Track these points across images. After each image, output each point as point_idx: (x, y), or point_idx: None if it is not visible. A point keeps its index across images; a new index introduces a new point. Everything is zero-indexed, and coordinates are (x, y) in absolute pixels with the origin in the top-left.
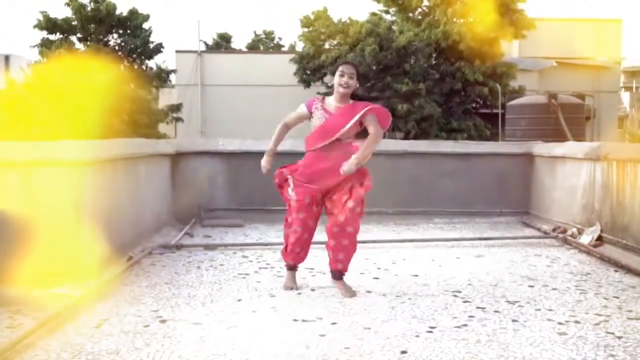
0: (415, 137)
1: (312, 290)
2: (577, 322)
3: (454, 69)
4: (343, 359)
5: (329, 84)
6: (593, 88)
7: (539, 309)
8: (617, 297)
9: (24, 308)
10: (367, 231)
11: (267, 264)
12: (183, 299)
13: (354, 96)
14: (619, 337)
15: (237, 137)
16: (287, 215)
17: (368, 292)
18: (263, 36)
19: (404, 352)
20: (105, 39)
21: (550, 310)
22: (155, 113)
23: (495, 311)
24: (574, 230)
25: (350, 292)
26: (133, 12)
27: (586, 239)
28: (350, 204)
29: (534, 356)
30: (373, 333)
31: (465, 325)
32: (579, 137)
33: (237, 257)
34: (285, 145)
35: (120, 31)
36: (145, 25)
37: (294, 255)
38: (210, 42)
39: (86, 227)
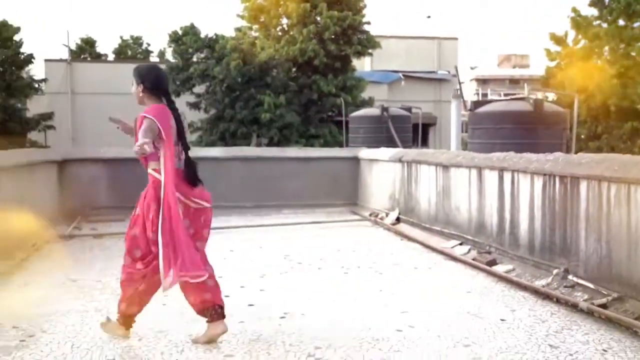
0: (278, 143)
1: None
2: (358, 267)
3: (310, 81)
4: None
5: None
6: (435, 98)
7: (338, 262)
8: (392, 254)
9: None
10: (228, 221)
11: None
12: (86, 266)
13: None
14: (380, 273)
15: (109, 144)
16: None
17: (224, 258)
18: (130, 42)
19: (242, 286)
20: None
21: (345, 263)
22: (27, 121)
23: (309, 264)
24: (383, 214)
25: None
26: (4, 25)
27: (389, 219)
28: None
29: (325, 283)
30: (225, 278)
31: (286, 272)
32: (406, 142)
33: (122, 242)
34: None
35: None
36: (16, 37)
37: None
38: (73, 47)
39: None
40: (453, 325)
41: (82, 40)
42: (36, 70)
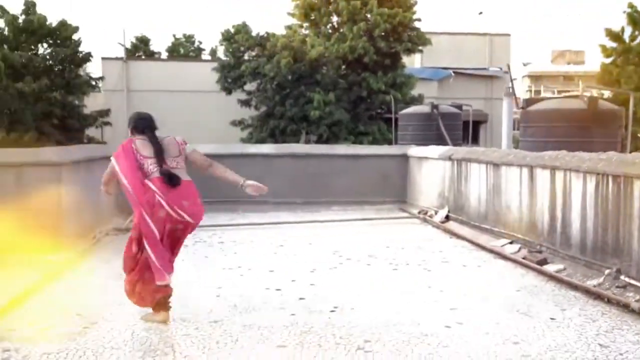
0: (327, 140)
1: (235, 253)
2: (407, 264)
3: (360, 79)
4: (255, 283)
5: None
6: (486, 96)
7: (386, 259)
8: (441, 251)
9: (27, 269)
10: (278, 217)
11: (200, 239)
12: None
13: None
14: (430, 271)
15: None
16: None
17: (274, 253)
18: (183, 40)
19: (293, 280)
20: (36, 49)
21: (394, 259)
22: (85, 118)
23: (358, 260)
24: (432, 212)
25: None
26: (63, 24)
27: (438, 217)
28: None
29: (373, 279)
30: (275, 273)
31: (336, 267)
32: (456, 140)
33: None
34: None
35: (51, 41)
36: (75, 36)
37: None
38: (128, 46)
39: (64, 213)
40: (502, 322)
41: (137, 38)
42: (93, 68)
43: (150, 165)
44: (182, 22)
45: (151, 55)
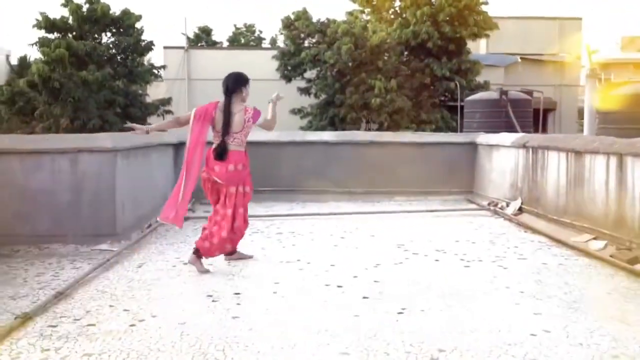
0: (388, 129)
1: (293, 245)
2: (480, 260)
3: (423, 65)
4: (314, 278)
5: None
6: (555, 82)
7: (457, 254)
8: (516, 247)
9: (78, 259)
10: (338, 207)
11: (257, 229)
12: None
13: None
14: (506, 269)
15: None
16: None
17: (335, 245)
18: (244, 29)
19: (355, 276)
20: (100, 38)
21: (464, 254)
22: (147, 106)
23: (425, 255)
24: (504, 204)
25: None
26: (126, 13)
27: (510, 209)
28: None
29: (442, 277)
30: (336, 268)
31: (401, 263)
32: (526, 128)
33: None
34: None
35: (114, 30)
36: (137, 25)
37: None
38: (191, 36)
39: (119, 201)
40: (596, 331)
41: (199, 29)
42: (155, 58)
43: (214, 134)
44: (243, 11)
45: (213, 45)
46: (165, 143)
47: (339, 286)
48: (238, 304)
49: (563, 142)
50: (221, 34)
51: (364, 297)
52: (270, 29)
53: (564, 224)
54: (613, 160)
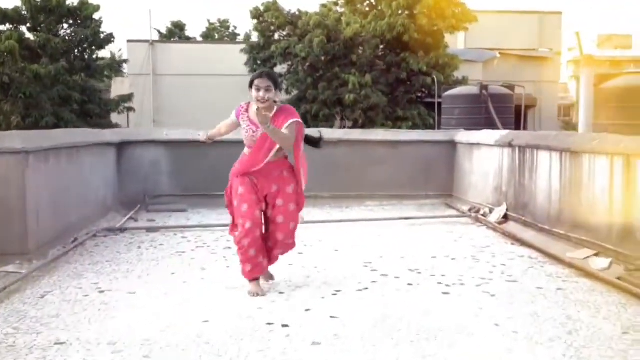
0: (363, 126)
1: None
2: (462, 284)
3: (399, 59)
4: (258, 315)
5: (279, 74)
6: (534, 78)
7: (434, 275)
8: (504, 265)
9: None
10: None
11: (203, 243)
12: (122, 273)
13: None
14: (492, 296)
15: (191, 126)
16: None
17: (290, 264)
18: (218, 25)
19: (307, 309)
20: (55, 30)
21: (443, 275)
22: (107, 103)
23: (396, 277)
24: (486, 210)
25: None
26: (84, 3)
27: (494, 217)
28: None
29: (417, 308)
30: (285, 296)
31: (367, 288)
32: (507, 125)
33: (177, 238)
34: None
35: (71, 21)
36: (96, 16)
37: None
38: (164, 31)
39: (32, 212)
40: None
41: (173, 23)
42: (121, 50)
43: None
44: (218, 7)
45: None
46: (105, 143)
47: (284, 325)
48: (146, 356)
49: (556, 141)
50: (195, 30)
51: (314, 344)
52: (245, 24)
53: (557, 236)
54: (618, 162)
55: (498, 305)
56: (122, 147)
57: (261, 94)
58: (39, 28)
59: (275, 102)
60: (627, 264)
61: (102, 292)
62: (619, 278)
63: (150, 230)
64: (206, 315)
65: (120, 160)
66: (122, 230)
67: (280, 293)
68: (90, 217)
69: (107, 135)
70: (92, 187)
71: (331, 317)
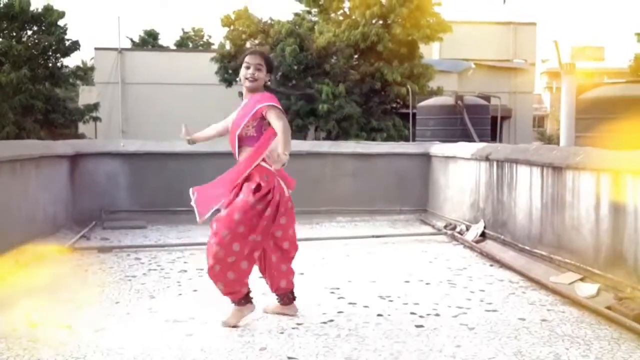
0: (337, 137)
1: (195, 291)
2: (437, 314)
3: (373, 69)
4: (200, 358)
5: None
6: (509, 89)
7: (406, 303)
8: (482, 290)
9: None
10: None
11: (157, 265)
12: (60, 303)
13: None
14: (472, 329)
15: (162, 136)
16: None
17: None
18: (192, 34)
19: (263, 348)
20: (18, 36)
21: (416, 304)
22: (72, 112)
23: (365, 306)
24: (463, 227)
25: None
26: (48, 9)
27: (471, 235)
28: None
29: (385, 348)
30: (239, 331)
31: (332, 320)
32: (483, 137)
33: (130, 259)
34: None
35: (35, 28)
36: (61, 22)
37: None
38: (137, 39)
39: None
40: None
41: (146, 32)
42: (93, 59)
43: None
44: (193, 16)
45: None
46: (55, 155)
47: None
48: None
49: (537, 155)
50: (169, 39)
51: None
52: (220, 33)
53: (538, 257)
54: (605, 179)
55: (478, 342)
56: (76, 159)
57: (250, 71)
58: (0, 35)
59: (265, 84)
60: (616, 291)
61: (34, 325)
62: (608, 307)
63: (101, 250)
64: (141, 357)
65: (74, 173)
66: (72, 250)
67: (233, 327)
68: (37, 236)
69: (59, 147)
70: (39, 203)
71: (289, 358)
